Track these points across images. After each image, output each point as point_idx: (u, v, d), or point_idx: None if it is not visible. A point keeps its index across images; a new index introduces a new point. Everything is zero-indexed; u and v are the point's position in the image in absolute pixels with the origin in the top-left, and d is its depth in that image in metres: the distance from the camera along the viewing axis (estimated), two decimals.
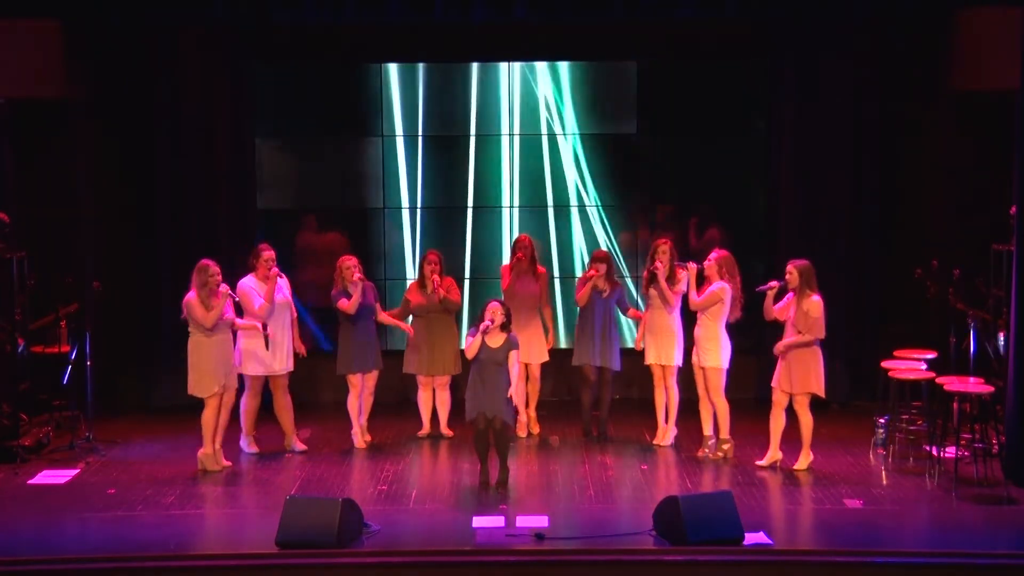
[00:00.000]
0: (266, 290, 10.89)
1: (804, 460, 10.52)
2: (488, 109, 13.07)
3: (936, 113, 12.48)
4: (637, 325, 11.47)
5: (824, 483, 10.20)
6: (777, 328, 10.58)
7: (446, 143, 13.11)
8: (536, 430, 11.77)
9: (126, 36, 12.28)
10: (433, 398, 11.67)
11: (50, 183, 12.29)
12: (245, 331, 10.75)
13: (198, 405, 10.62)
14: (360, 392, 11.33)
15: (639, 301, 12.17)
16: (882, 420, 10.97)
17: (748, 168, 13.13)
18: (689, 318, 11.07)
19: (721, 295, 10.72)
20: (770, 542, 8.77)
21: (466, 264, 13.12)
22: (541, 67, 13.04)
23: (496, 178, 13.13)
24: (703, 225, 13.11)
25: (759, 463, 10.65)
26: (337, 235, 13.08)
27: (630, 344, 12.12)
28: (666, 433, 11.33)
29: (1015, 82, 10.14)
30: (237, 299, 10.56)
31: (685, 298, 11.03)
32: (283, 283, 11.08)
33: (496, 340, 10.05)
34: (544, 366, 11.88)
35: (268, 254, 10.98)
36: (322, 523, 8.61)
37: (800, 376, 10.34)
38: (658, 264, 11.03)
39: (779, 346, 10.43)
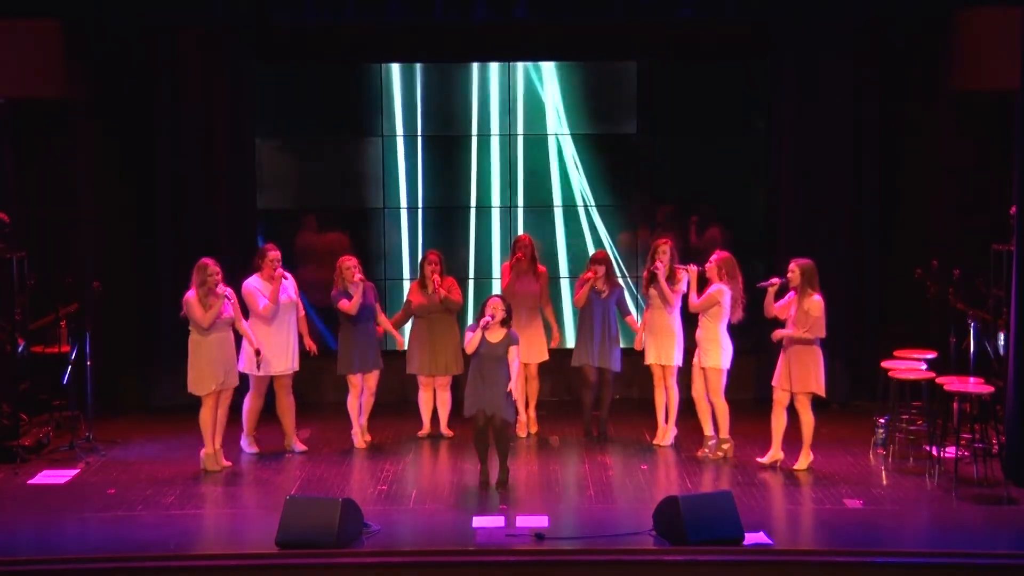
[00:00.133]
0: (271, 291, 10.89)
1: (804, 460, 10.52)
2: (488, 109, 13.07)
3: (936, 113, 12.48)
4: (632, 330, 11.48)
5: (824, 483, 10.20)
6: (777, 326, 10.57)
7: (446, 143, 13.12)
8: (535, 430, 11.77)
9: (126, 36, 12.28)
10: (434, 398, 11.68)
11: (50, 183, 12.29)
12: (244, 335, 10.72)
13: (198, 405, 10.62)
14: (360, 392, 11.33)
15: (639, 300, 12.18)
16: (882, 420, 10.97)
17: (748, 168, 13.14)
18: (690, 319, 11.07)
19: (718, 297, 10.72)
20: (770, 542, 8.77)
21: (470, 264, 13.12)
22: (541, 67, 13.04)
23: (497, 178, 13.12)
24: (703, 225, 13.12)
25: (760, 460, 10.66)
26: (337, 235, 13.08)
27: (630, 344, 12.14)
28: (666, 433, 11.34)
29: (1015, 82, 10.14)
30: (232, 301, 10.54)
31: (685, 298, 11.03)
32: (288, 283, 11.07)
33: (496, 335, 10.06)
34: (544, 366, 11.89)
35: (274, 254, 10.97)
36: (322, 523, 8.61)
37: (800, 375, 10.35)
38: (658, 264, 11.03)
39: (779, 333, 10.43)
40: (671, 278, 11.06)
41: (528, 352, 11.37)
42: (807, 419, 10.43)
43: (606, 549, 8.68)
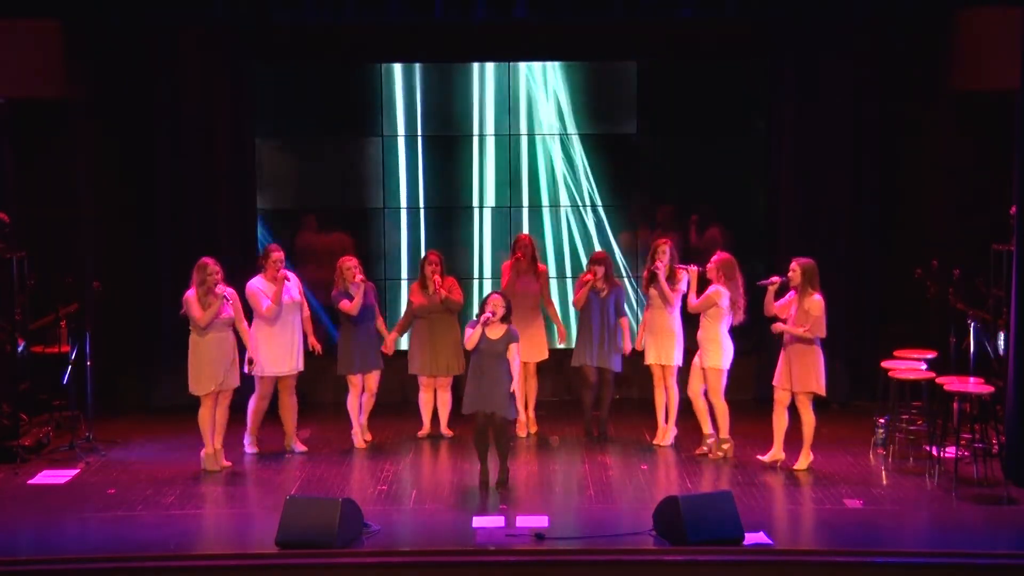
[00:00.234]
0: (274, 292, 10.88)
1: (804, 460, 10.52)
2: (488, 109, 13.07)
3: (936, 113, 12.48)
4: (630, 332, 11.46)
5: (824, 483, 10.20)
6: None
7: (446, 143, 13.11)
8: (535, 430, 11.77)
9: (126, 36, 12.28)
10: (434, 398, 11.67)
11: (50, 183, 12.29)
12: (243, 336, 10.71)
13: (198, 405, 10.61)
14: (360, 392, 11.33)
15: (635, 300, 12.18)
16: (882, 420, 10.97)
17: (748, 168, 13.14)
18: (690, 319, 11.06)
19: (716, 298, 10.73)
20: (770, 542, 8.77)
21: (474, 265, 13.12)
22: (541, 67, 13.05)
23: (496, 178, 13.12)
24: (703, 225, 13.12)
25: (760, 457, 10.66)
26: (337, 235, 13.08)
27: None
28: (666, 433, 11.33)
29: (1015, 82, 10.14)
30: (232, 301, 10.53)
31: (686, 298, 11.04)
32: (292, 284, 11.05)
33: (496, 332, 10.06)
34: (544, 366, 11.90)
35: (277, 255, 10.97)
36: (322, 523, 8.61)
37: (801, 375, 10.35)
38: (658, 264, 11.04)
39: (780, 326, 10.42)
40: (671, 278, 11.06)
41: (528, 351, 11.37)
42: (808, 419, 10.43)
43: (606, 549, 8.68)
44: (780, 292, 10.59)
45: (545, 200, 13.12)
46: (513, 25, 12.33)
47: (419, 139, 13.07)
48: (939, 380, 10.32)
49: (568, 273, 13.02)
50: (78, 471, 10.65)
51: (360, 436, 11.35)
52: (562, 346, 12.01)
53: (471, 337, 10.04)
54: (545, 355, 11.79)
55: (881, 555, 8.58)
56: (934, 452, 10.27)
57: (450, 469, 10.78)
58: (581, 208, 13.12)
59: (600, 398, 11.58)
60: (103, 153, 12.53)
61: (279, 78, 13.07)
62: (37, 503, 9.86)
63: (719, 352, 10.75)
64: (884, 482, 10.27)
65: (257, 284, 10.97)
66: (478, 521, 9.29)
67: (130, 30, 12.19)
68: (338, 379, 11.49)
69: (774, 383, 10.55)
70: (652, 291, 11.14)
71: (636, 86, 13.04)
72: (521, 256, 11.62)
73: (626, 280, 12.96)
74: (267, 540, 8.73)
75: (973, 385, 10.14)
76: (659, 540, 8.82)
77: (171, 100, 12.58)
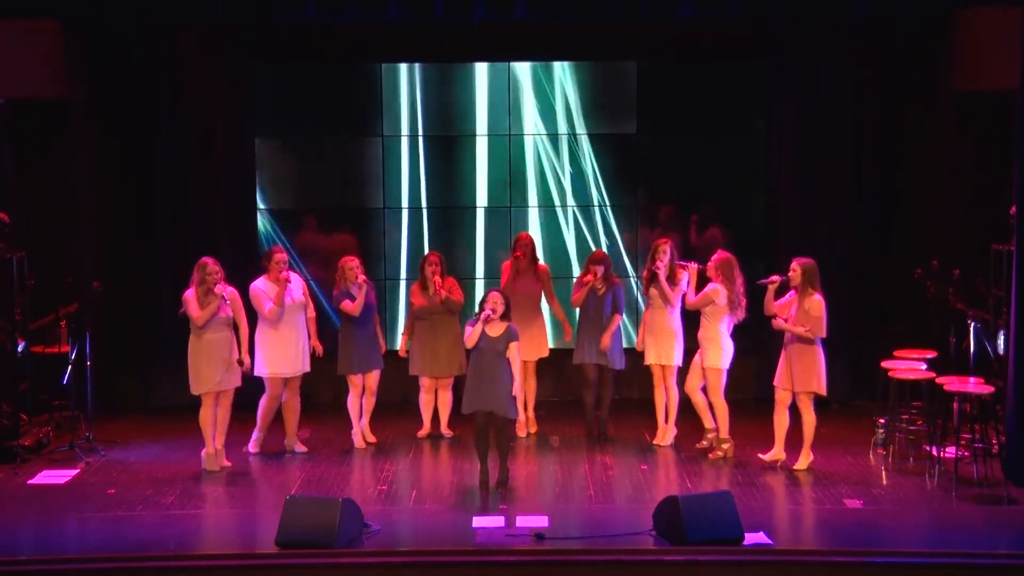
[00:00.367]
0: (276, 293, 10.87)
1: (804, 460, 10.52)
2: (489, 109, 13.07)
3: (936, 113, 12.48)
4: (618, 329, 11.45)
5: (824, 483, 10.20)
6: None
7: (446, 143, 13.11)
8: (535, 429, 11.77)
9: (126, 36, 12.28)
10: (435, 398, 11.67)
11: (50, 183, 12.29)
12: (242, 337, 10.70)
13: (198, 405, 10.62)
14: (360, 392, 11.33)
15: (640, 299, 12.18)
16: (882, 420, 10.97)
17: (748, 168, 13.13)
18: (691, 319, 11.06)
19: (713, 296, 10.74)
20: (770, 542, 8.77)
21: (471, 264, 13.12)
22: (542, 67, 13.04)
23: (497, 177, 13.12)
24: (703, 225, 13.12)
25: (761, 456, 10.66)
26: (337, 235, 13.07)
27: (629, 345, 12.16)
28: (666, 433, 11.34)
29: (1015, 82, 10.14)
30: (230, 302, 10.52)
31: (685, 297, 11.05)
32: (295, 285, 11.04)
33: (496, 330, 10.05)
34: (544, 366, 11.90)
35: (280, 256, 10.96)
36: (322, 523, 8.61)
37: (802, 375, 10.35)
38: (659, 264, 11.04)
39: (779, 322, 10.42)
40: (671, 278, 11.06)
41: (528, 349, 11.36)
42: (809, 419, 10.43)
43: (606, 549, 8.68)
44: (780, 291, 10.59)
45: (545, 200, 13.11)
46: (513, 25, 12.32)
47: (419, 139, 13.07)
48: (939, 380, 10.32)
49: (567, 273, 13.00)
50: (78, 471, 10.65)
51: (360, 437, 11.35)
52: (562, 346, 11.99)
53: (471, 335, 10.03)
54: (546, 353, 11.80)
55: (881, 555, 8.58)
56: (934, 452, 10.27)
57: (450, 469, 10.78)
58: (580, 208, 13.11)
59: (600, 398, 11.57)
60: (103, 153, 12.53)
61: (279, 78, 13.07)
62: (37, 503, 9.87)
63: (719, 352, 10.76)
64: (884, 482, 10.27)
65: (260, 285, 10.96)
66: (478, 521, 9.29)
67: (130, 30, 12.19)
68: (338, 379, 11.49)
69: (775, 383, 10.55)
70: (652, 291, 11.14)
71: (636, 86, 13.04)
72: (521, 255, 11.62)
73: (632, 280, 12.95)
74: (267, 540, 8.74)
75: (973, 385, 10.14)
76: (659, 540, 8.82)
77: (171, 100, 12.59)
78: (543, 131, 13.09)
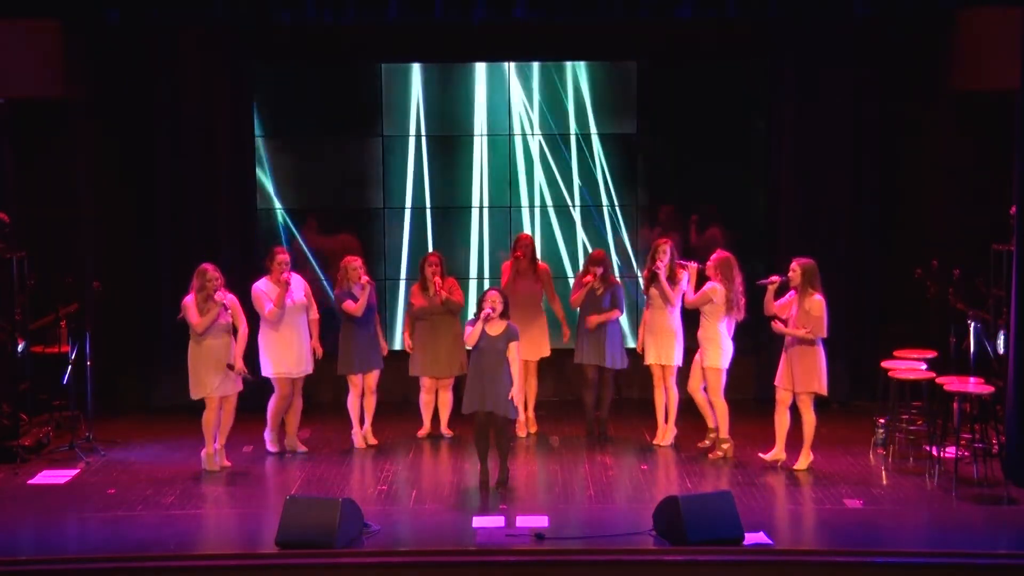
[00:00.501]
0: (276, 294, 10.87)
1: (804, 460, 10.52)
2: (489, 109, 13.07)
3: (936, 113, 12.48)
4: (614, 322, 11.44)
5: (824, 483, 10.20)
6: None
7: (445, 143, 13.11)
8: (535, 429, 11.78)
9: (126, 36, 12.28)
10: (435, 398, 11.67)
11: (50, 183, 12.29)
12: (239, 340, 10.68)
13: (198, 405, 10.62)
14: (360, 392, 11.32)
15: (639, 300, 12.18)
16: (882, 420, 10.97)
17: (748, 168, 13.14)
18: (691, 319, 11.06)
19: (711, 295, 10.74)
20: (770, 542, 8.77)
21: (467, 264, 13.12)
22: (542, 67, 13.04)
23: (496, 177, 13.12)
24: (704, 225, 13.12)
25: (762, 455, 10.66)
26: (338, 235, 13.07)
27: (631, 344, 12.16)
28: (666, 433, 11.34)
29: (1015, 82, 10.14)
30: (231, 309, 10.51)
31: (684, 297, 11.06)
32: (296, 286, 11.02)
33: (496, 328, 10.05)
34: (545, 366, 11.90)
35: (282, 257, 10.94)
36: (322, 523, 8.61)
37: (803, 375, 10.35)
38: (659, 264, 11.04)
39: (779, 326, 10.43)
40: (671, 278, 11.06)
41: (529, 349, 11.36)
42: (809, 419, 10.43)
43: (606, 549, 8.68)
44: (780, 291, 10.59)
45: (544, 200, 13.11)
46: (513, 25, 12.31)
47: (418, 139, 13.06)
48: (939, 380, 10.32)
49: (567, 273, 13.01)
50: (78, 471, 10.65)
51: (360, 437, 11.35)
52: (562, 346, 11.99)
53: (471, 334, 10.04)
54: (547, 352, 11.80)
55: (881, 555, 8.58)
56: (934, 452, 10.27)
57: (450, 469, 10.78)
58: (580, 208, 13.11)
59: (600, 398, 11.58)
60: (103, 153, 12.54)
61: (279, 78, 13.07)
62: (37, 503, 9.87)
63: (718, 351, 10.76)
64: (884, 482, 10.27)
65: (261, 286, 10.96)
66: (478, 521, 9.29)
67: (130, 30, 12.19)
68: (338, 379, 11.48)
69: (776, 383, 10.55)
70: (653, 291, 11.14)
71: (636, 86, 13.04)
72: (521, 255, 11.62)
73: (633, 279, 12.94)
74: (267, 540, 8.74)
75: (973, 385, 10.13)
76: (659, 540, 8.82)
77: (171, 100, 12.59)
78: (542, 131, 13.07)
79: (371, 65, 13.04)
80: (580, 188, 13.11)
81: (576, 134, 13.09)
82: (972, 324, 10.73)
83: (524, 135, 13.08)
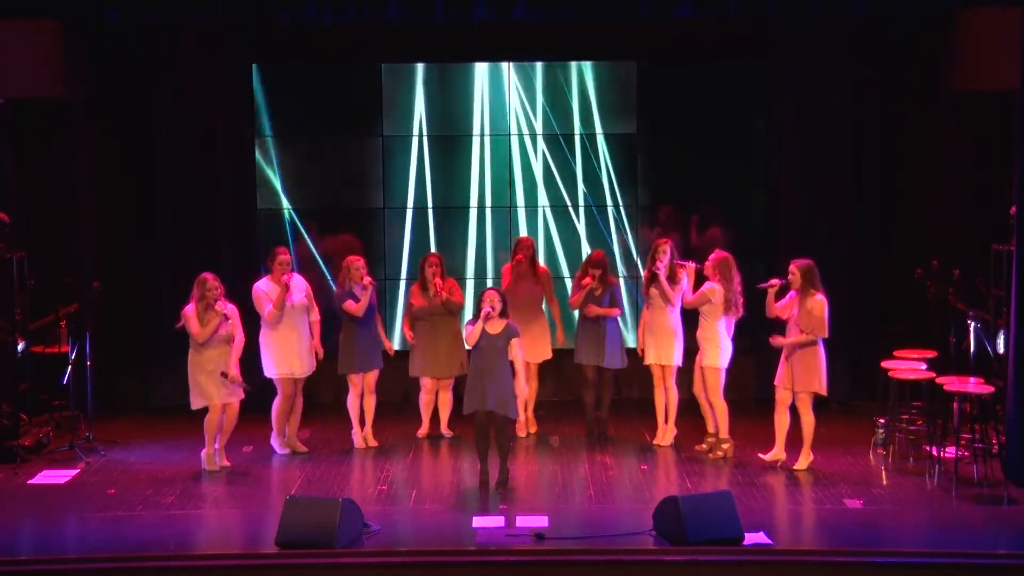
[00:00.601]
0: (277, 295, 10.86)
1: (804, 460, 10.52)
2: (489, 109, 13.07)
3: (936, 113, 12.48)
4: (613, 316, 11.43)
5: (824, 483, 10.20)
6: (778, 327, 10.58)
7: (445, 143, 13.11)
8: (535, 430, 11.78)
9: (126, 36, 12.28)
10: (435, 398, 11.67)
11: (50, 183, 12.29)
12: (236, 346, 10.67)
13: (203, 408, 10.61)
14: (360, 392, 11.32)
15: (639, 300, 12.18)
16: (882, 420, 10.97)
17: (748, 168, 13.14)
18: (691, 320, 11.06)
19: (710, 295, 10.75)
20: (770, 542, 8.77)
21: (467, 264, 13.12)
22: (542, 67, 13.04)
23: (496, 178, 13.12)
24: (704, 225, 13.12)
25: (762, 456, 10.66)
26: (338, 235, 13.07)
27: (631, 344, 12.16)
28: (666, 433, 11.34)
29: (1015, 82, 10.14)
30: (232, 320, 10.50)
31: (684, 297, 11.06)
32: (297, 287, 11.01)
33: (496, 327, 10.05)
34: (544, 366, 11.90)
35: (283, 257, 10.93)
36: (322, 523, 8.61)
37: (803, 375, 10.35)
38: (659, 264, 11.04)
39: (777, 340, 10.43)
40: (672, 278, 11.06)
41: (530, 352, 11.36)
42: (808, 419, 10.43)
43: (606, 549, 8.68)
44: (781, 293, 10.59)
45: (544, 200, 13.11)
46: (513, 25, 12.31)
47: (418, 139, 13.06)
48: (939, 380, 10.32)
49: (566, 273, 13.01)
50: (78, 471, 10.66)
51: (360, 437, 11.35)
52: (562, 346, 11.99)
53: (472, 333, 10.04)
54: (548, 355, 11.80)
55: (881, 555, 8.58)
56: (934, 452, 10.27)
57: (450, 469, 10.78)
58: (580, 208, 13.11)
59: (600, 398, 11.58)
60: (103, 153, 12.54)
61: (279, 78, 13.07)
62: (37, 503, 9.87)
63: (717, 351, 10.76)
64: (884, 482, 10.27)
65: (262, 287, 10.95)
66: (478, 521, 9.29)
67: (130, 30, 12.18)
68: (338, 379, 11.48)
69: (776, 383, 10.55)
70: (653, 291, 11.14)
71: (636, 86, 13.04)
72: (522, 258, 11.61)
73: (626, 280, 12.95)
74: (267, 540, 8.74)
75: (973, 385, 10.13)
76: (659, 540, 8.82)
77: (171, 100, 12.59)
78: (542, 131, 13.07)
79: (371, 65, 13.04)
80: (583, 188, 13.10)
81: (581, 134, 13.08)
82: (972, 324, 10.73)
83: (522, 135, 13.06)
